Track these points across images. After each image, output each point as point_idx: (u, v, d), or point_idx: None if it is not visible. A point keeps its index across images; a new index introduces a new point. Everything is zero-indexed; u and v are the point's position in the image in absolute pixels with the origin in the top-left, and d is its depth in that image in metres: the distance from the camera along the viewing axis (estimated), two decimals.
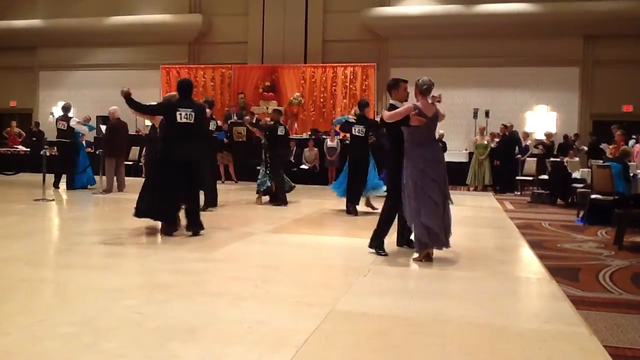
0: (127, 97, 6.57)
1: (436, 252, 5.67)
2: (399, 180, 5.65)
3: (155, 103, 7.77)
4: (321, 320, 3.53)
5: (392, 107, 5.82)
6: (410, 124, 5.51)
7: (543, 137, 15.03)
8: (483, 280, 4.87)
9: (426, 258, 5.52)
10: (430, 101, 5.70)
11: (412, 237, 5.78)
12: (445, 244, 5.56)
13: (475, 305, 4.04)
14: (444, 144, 15.80)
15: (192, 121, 6.53)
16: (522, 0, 17.10)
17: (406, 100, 5.86)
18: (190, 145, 6.54)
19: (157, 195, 6.58)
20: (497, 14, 17.14)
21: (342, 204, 10.29)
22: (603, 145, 13.63)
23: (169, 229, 6.58)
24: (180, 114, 6.50)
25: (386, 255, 5.73)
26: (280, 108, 14.14)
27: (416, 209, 5.48)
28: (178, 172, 6.50)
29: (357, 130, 8.93)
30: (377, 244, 5.82)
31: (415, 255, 5.62)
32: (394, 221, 5.95)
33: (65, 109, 12.61)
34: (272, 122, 10.40)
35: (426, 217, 5.40)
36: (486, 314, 3.84)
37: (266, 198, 10.25)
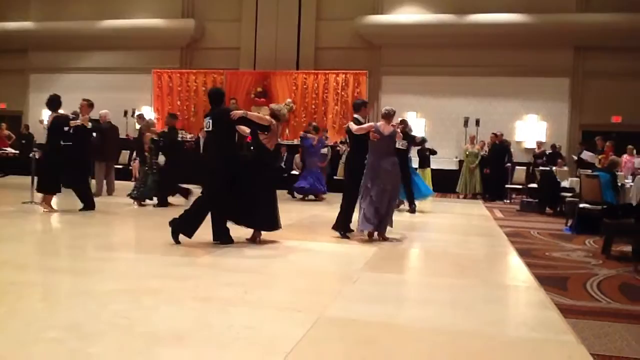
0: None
1: (425, 260, 5.83)
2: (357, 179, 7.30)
3: None
4: (310, 326, 3.52)
5: (356, 120, 7.62)
6: (370, 137, 7.17)
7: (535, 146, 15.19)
8: (472, 288, 4.88)
9: (369, 237, 7.24)
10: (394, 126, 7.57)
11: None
12: (375, 225, 7.12)
13: (463, 313, 4.05)
14: (430, 150, 15.92)
15: (210, 129, 6.54)
16: (513, 11, 17.22)
17: (366, 116, 7.69)
18: (210, 153, 6.64)
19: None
20: (489, 24, 17.26)
21: (332, 209, 10.30)
22: (587, 155, 13.69)
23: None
24: (205, 124, 6.69)
25: (348, 238, 7.32)
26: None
27: (362, 201, 7.18)
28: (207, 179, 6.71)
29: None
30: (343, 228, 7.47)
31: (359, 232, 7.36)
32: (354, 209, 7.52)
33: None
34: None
35: (365, 208, 7.09)
36: (474, 321, 3.85)
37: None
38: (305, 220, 9.31)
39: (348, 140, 8.05)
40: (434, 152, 14.60)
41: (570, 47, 17.34)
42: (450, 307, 4.19)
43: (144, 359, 2.95)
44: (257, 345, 3.20)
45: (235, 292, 4.31)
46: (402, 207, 11.01)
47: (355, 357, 3.12)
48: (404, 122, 10.96)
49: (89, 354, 2.96)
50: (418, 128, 18.14)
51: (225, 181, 6.44)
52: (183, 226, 6.28)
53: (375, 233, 7.25)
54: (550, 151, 15.53)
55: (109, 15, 19.95)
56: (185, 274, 4.98)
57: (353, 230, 7.56)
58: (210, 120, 6.51)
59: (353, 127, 7.40)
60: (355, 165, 7.46)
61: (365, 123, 7.76)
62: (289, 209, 10.59)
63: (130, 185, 13.76)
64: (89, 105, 9.80)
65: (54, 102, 9.10)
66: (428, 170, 15.82)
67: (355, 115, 7.83)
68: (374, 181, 7.13)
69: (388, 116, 7.45)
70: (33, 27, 20.62)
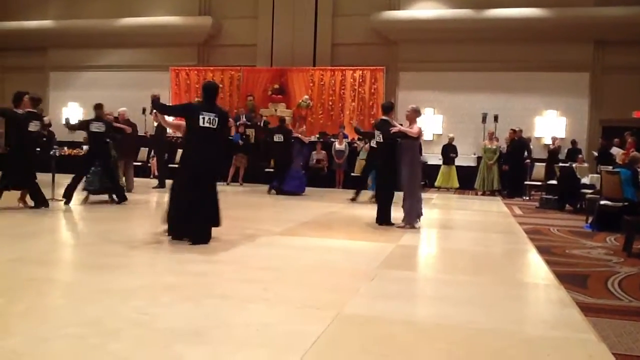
0: (154, 100, 6.57)
1: (443, 257, 6.02)
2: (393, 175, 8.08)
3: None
4: (328, 323, 3.52)
5: (386, 122, 8.14)
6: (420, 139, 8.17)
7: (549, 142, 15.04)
8: (491, 286, 4.85)
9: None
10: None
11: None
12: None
13: (482, 310, 4.02)
14: (455, 147, 15.89)
15: (214, 127, 6.26)
16: (531, 5, 17.05)
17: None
18: (208, 152, 6.29)
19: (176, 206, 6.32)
20: (507, 18, 17.10)
21: (349, 206, 10.32)
22: (616, 151, 13.51)
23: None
24: (204, 118, 6.21)
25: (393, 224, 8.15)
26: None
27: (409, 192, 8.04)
28: (194, 178, 6.22)
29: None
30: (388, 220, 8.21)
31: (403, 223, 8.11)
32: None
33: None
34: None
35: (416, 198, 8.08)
36: (494, 319, 3.83)
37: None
38: (322, 217, 9.31)
39: (381, 140, 8.29)
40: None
41: (590, 42, 17.10)
42: (469, 305, 4.16)
43: (163, 355, 2.97)
44: (275, 342, 3.20)
45: (253, 289, 4.32)
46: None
47: (374, 354, 3.11)
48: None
49: (109, 349, 2.98)
50: (435, 124, 18.09)
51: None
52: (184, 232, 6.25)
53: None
54: (571, 147, 15.34)
55: (127, 13, 20.12)
56: (203, 271, 5.00)
57: (394, 224, 8.21)
58: (217, 118, 6.26)
59: (412, 130, 7.91)
60: (393, 164, 8.07)
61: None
62: (305, 206, 10.62)
63: (150, 182, 13.90)
64: (30, 99, 9.24)
65: (14, 99, 8.71)
66: (453, 168, 15.76)
67: (386, 118, 8.29)
68: (416, 175, 8.09)
69: (420, 114, 8.29)
70: (52, 25, 20.85)
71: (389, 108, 8.50)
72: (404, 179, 8.01)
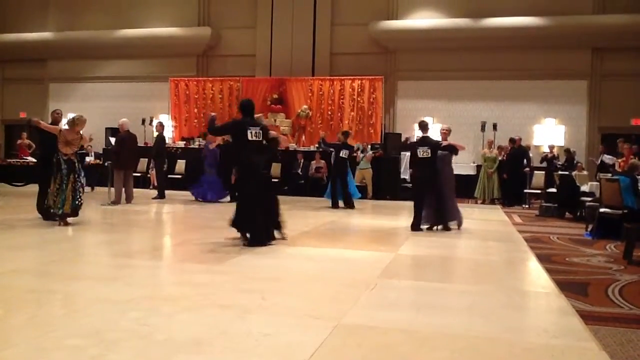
0: (210, 121, 7.32)
1: (443, 266, 5.97)
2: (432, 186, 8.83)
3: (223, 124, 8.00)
4: (328, 333, 3.51)
5: (428, 138, 8.90)
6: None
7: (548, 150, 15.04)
8: (491, 295, 4.84)
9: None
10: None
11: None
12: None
13: (483, 319, 4.01)
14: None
15: (260, 139, 7.14)
16: (530, 14, 17.12)
17: None
18: (260, 161, 7.14)
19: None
20: (505, 27, 17.17)
21: (349, 215, 10.30)
22: (608, 158, 13.51)
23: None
24: (251, 132, 7.05)
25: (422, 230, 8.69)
26: None
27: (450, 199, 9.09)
28: (258, 185, 7.00)
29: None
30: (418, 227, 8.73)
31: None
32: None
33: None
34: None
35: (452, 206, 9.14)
36: (494, 328, 3.82)
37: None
38: (321, 226, 9.30)
39: (429, 155, 8.81)
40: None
41: (588, 49, 17.18)
42: (469, 314, 4.15)
43: None
44: (275, 352, 3.19)
45: (253, 299, 4.32)
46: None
47: None
48: (346, 134, 12.95)
49: None
50: (434, 133, 18.10)
51: None
52: (241, 224, 6.89)
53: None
54: (566, 157, 15.28)
55: (126, 25, 20.20)
56: (202, 281, 4.99)
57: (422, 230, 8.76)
58: (261, 132, 7.13)
59: (459, 144, 9.23)
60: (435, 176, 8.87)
61: None
62: (305, 215, 10.61)
63: (149, 193, 13.89)
64: None
65: None
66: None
67: (426, 135, 9.03)
68: (450, 185, 9.19)
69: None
70: (51, 37, 20.94)
71: (425, 127, 9.10)
72: (444, 187, 8.90)
